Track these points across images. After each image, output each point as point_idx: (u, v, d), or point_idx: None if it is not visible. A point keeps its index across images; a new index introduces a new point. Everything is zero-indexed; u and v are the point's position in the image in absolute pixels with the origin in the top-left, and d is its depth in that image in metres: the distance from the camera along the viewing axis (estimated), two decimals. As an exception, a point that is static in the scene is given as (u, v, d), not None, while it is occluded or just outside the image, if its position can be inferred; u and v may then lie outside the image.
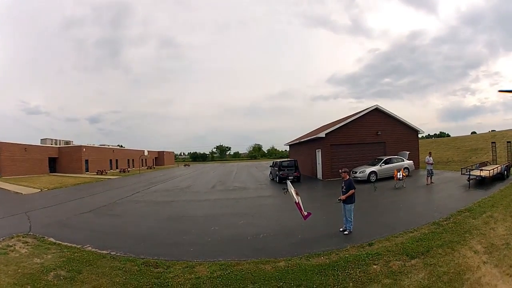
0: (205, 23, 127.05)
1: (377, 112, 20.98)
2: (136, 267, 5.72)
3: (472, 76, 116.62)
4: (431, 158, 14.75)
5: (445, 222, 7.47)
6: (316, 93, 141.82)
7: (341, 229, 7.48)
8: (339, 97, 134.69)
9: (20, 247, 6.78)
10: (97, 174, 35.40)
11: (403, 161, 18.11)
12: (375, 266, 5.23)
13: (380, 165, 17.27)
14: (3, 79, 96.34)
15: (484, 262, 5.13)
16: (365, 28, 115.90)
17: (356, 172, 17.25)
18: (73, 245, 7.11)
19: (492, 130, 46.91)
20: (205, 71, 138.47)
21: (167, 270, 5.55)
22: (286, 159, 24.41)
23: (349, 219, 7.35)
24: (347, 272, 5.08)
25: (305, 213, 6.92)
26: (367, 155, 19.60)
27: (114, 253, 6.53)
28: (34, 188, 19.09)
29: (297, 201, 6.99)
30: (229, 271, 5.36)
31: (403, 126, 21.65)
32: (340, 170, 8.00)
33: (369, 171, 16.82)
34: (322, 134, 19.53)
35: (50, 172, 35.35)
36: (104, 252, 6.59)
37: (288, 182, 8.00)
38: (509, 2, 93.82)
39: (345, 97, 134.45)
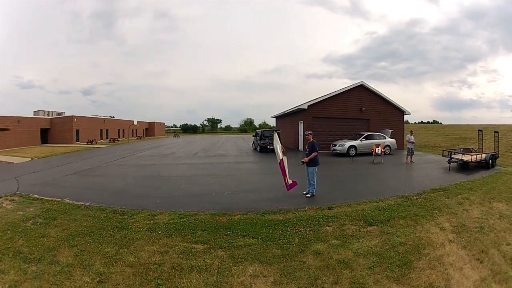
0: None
1: (362, 88, 20.67)
2: (105, 214, 6.28)
3: (469, 70, 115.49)
4: (412, 137, 14.38)
5: (414, 197, 7.17)
6: (311, 71, 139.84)
7: (304, 192, 7.51)
8: (333, 76, 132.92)
9: (6, 204, 7.25)
10: (87, 144, 35.62)
11: (385, 138, 17.79)
12: (327, 228, 5.28)
13: (360, 140, 17.11)
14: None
15: (450, 241, 4.82)
16: (363, 10, 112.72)
17: (335, 145, 17.23)
18: (54, 199, 7.64)
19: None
20: (200, 44, 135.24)
21: (131, 217, 6.10)
22: (268, 129, 24.53)
23: (312, 182, 7.42)
24: (297, 229, 5.21)
25: (290, 182, 6.27)
26: (349, 131, 19.47)
27: (89, 204, 7.09)
28: (25, 157, 19.47)
29: (281, 159, 6.38)
30: (185, 219, 5.87)
31: (388, 105, 21.39)
32: (305, 132, 8.07)
33: (348, 145, 16.71)
34: (305, 106, 19.43)
35: (42, 143, 35.37)
36: (80, 203, 7.15)
37: (275, 135, 7.28)
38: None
39: (340, 77, 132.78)
